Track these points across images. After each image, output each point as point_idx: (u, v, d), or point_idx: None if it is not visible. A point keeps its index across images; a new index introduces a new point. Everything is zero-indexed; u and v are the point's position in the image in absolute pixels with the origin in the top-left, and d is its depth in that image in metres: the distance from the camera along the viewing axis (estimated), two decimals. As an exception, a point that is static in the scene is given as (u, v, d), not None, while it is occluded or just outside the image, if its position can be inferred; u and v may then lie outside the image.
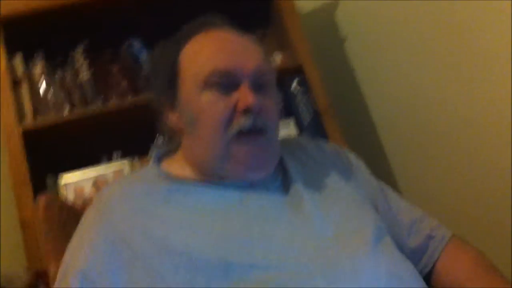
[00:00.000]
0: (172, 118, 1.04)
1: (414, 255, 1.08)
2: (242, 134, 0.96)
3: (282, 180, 1.04)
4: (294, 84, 1.82)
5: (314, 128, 1.75)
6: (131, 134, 1.79)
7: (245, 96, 0.95)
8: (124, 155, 1.86)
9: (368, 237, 0.94)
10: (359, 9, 1.99)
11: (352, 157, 1.20)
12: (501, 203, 1.63)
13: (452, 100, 1.71)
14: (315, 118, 1.78)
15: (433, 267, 1.08)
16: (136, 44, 1.92)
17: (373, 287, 0.85)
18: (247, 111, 0.95)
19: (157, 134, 1.79)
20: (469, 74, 1.64)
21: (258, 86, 0.99)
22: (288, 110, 1.82)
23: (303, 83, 1.81)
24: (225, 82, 0.97)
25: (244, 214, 0.94)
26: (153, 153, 1.13)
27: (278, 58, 1.87)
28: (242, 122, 0.95)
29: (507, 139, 1.55)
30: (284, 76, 1.78)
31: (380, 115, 2.00)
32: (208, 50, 1.00)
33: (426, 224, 1.12)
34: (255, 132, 0.96)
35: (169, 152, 1.12)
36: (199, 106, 0.97)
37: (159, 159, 1.09)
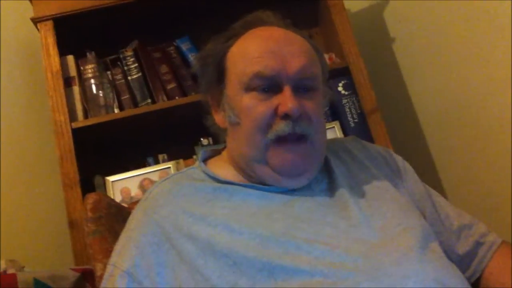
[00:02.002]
0: (218, 117, 1.05)
1: (462, 262, 1.06)
2: (281, 139, 0.95)
3: (328, 183, 1.04)
4: (341, 86, 1.81)
5: (360, 130, 1.73)
6: (178, 135, 1.83)
7: (285, 100, 0.95)
8: (170, 157, 1.88)
9: (415, 242, 0.92)
10: (407, 9, 1.96)
11: (399, 160, 1.17)
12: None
13: (501, 101, 1.67)
14: (361, 120, 1.76)
15: (481, 274, 1.06)
16: (186, 44, 1.95)
17: None
18: (286, 116, 0.95)
19: (202, 136, 1.82)
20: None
21: (302, 89, 0.98)
22: (333, 113, 1.81)
23: (350, 84, 1.80)
24: (267, 85, 0.97)
25: (289, 216, 0.94)
26: (200, 153, 1.14)
27: (325, 56, 1.86)
28: (280, 127, 0.95)
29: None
30: (330, 78, 1.76)
31: (427, 117, 1.97)
32: (251, 52, 0.99)
33: (475, 230, 1.09)
34: (295, 138, 0.96)
35: (215, 152, 1.13)
36: (241, 107, 0.98)
37: (205, 160, 1.10)
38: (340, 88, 1.81)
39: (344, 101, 1.79)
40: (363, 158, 1.12)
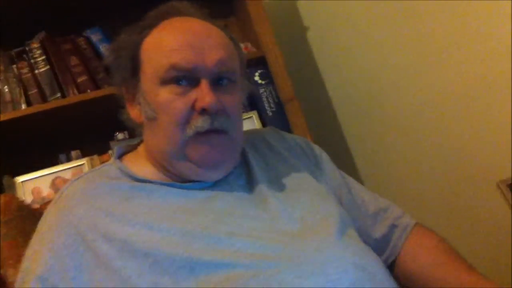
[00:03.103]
0: (133, 111, 1.02)
1: (379, 245, 1.09)
2: (200, 134, 0.94)
3: (246, 177, 1.04)
4: (257, 75, 1.80)
5: (278, 119, 1.73)
6: (91, 130, 1.76)
7: (203, 95, 0.93)
8: (83, 154, 1.82)
9: (333, 229, 0.94)
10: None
11: (317, 149, 1.19)
12: (458, 186, 1.67)
13: (413, 88, 1.73)
14: (278, 110, 1.76)
15: (397, 256, 1.09)
16: (97, 35, 1.87)
17: (340, 279, 0.85)
18: (204, 111, 0.93)
19: (117, 130, 1.77)
20: (427, 61, 1.66)
21: (220, 83, 0.97)
22: (251, 102, 1.80)
23: (267, 73, 1.80)
24: (183, 78, 0.94)
25: (209, 212, 0.93)
26: (114, 149, 1.11)
27: (241, 46, 1.84)
28: (199, 123, 0.93)
29: (464, 123, 1.59)
30: (246, 67, 1.75)
31: (344, 105, 2.01)
32: (168, 43, 0.96)
33: (390, 214, 1.13)
34: (213, 132, 0.94)
35: (131, 147, 1.09)
36: (158, 102, 0.95)
37: (121, 156, 1.06)
38: (256, 78, 1.80)
39: (261, 90, 1.78)
40: (281, 149, 1.13)
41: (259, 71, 1.80)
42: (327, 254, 0.88)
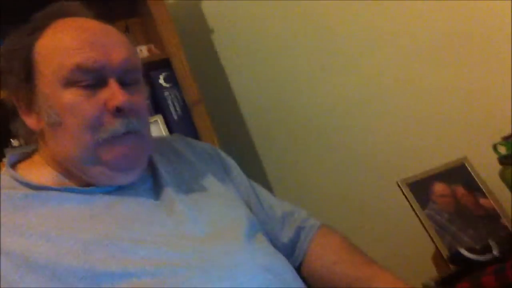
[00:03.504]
0: (29, 119, 0.94)
1: (287, 248, 1.10)
2: (114, 137, 0.90)
3: (153, 182, 1.01)
4: (162, 78, 1.76)
5: (184, 123, 1.70)
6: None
7: (114, 94, 0.89)
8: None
9: (241, 233, 0.94)
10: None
11: (224, 155, 1.19)
12: (363, 185, 1.72)
13: (320, 89, 1.76)
14: (184, 113, 1.73)
15: (304, 256, 1.11)
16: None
17: (249, 282, 0.85)
18: (118, 110, 0.89)
19: (11, 137, 1.66)
20: (335, 61, 1.70)
21: (126, 82, 0.93)
22: (156, 106, 1.76)
23: (171, 76, 1.76)
24: (90, 78, 0.89)
25: (112, 219, 0.89)
26: (7, 157, 1.03)
27: (143, 51, 1.80)
28: (116, 126, 0.89)
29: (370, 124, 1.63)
30: (150, 70, 1.71)
31: (250, 109, 2.01)
32: (68, 43, 0.90)
33: (297, 217, 1.16)
34: (129, 133, 0.91)
35: (25, 155, 1.02)
36: (62, 105, 0.89)
37: (14, 164, 0.99)
38: (161, 81, 1.76)
39: (166, 93, 1.74)
40: (189, 156, 1.12)
41: (163, 74, 1.76)
42: (235, 258, 0.87)
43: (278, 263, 0.95)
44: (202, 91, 1.72)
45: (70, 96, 0.89)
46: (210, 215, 0.96)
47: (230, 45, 2.01)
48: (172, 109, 1.74)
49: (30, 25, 0.95)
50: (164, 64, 1.74)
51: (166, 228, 0.90)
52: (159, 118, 1.72)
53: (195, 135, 1.63)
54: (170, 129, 1.70)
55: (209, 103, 1.71)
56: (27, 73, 0.92)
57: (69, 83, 0.89)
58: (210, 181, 1.07)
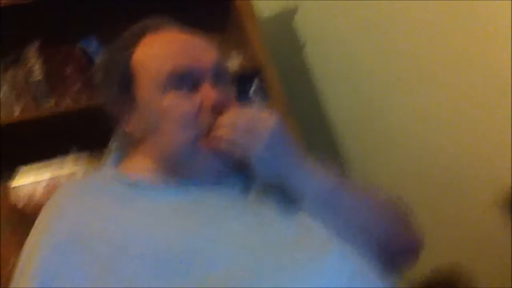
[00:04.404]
0: (130, 124, 1.00)
1: None
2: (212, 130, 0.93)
3: (243, 180, 1.02)
4: (252, 89, 1.80)
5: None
6: (85, 137, 1.74)
7: (209, 93, 0.93)
8: (77, 159, 1.79)
9: (330, 237, 0.92)
10: (318, 12, 2.00)
11: None
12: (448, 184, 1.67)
13: (408, 104, 1.74)
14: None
15: None
16: (92, 43, 1.87)
17: (338, 285, 0.85)
18: (213, 108, 0.93)
19: (112, 138, 1.75)
20: (421, 75, 1.68)
21: (219, 83, 0.97)
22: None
23: (261, 87, 1.80)
24: (186, 80, 0.94)
25: (202, 214, 0.92)
26: (109, 154, 1.09)
27: (236, 61, 1.85)
28: (212, 120, 0.93)
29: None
30: (241, 80, 1.76)
31: (338, 119, 2.02)
32: (164, 50, 0.97)
33: None
34: None
35: (124, 155, 1.08)
36: (163, 107, 0.94)
37: (115, 161, 1.06)
38: (251, 91, 1.80)
39: (256, 103, 1.78)
40: None
41: (254, 84, 1.80)
42: (322, 262, 0.87)
43: (365, 267, 0.92)
44: (290, 102, 1.75)
45: (170, 98, 0.94)
46: (298, 218, 0.95)
47: (320, 58, 2.03)
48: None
49: (125, 39, 1.02)
50: (255, 74, 1.79)
51: (253, 228, 0.91)
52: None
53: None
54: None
55: (297, 115, 1.73)
56: (125, 83, 0.99)
57: (167, 88, 0.95)
58: None
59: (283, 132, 0.94)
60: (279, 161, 0.93)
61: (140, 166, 1.01)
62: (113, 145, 1.54)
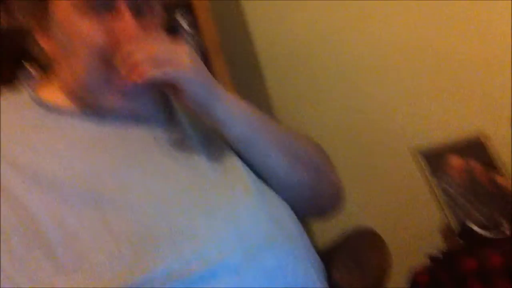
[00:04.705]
0: (43, 42, 0.91)
1: None
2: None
3: (167, 115, 0.98)
4: (180, 21, 1.71)
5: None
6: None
7: (125, 22, 0.85)
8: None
9: (250, 181, 0.93)
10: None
11: None
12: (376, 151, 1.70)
13: (346, 44, 1.74)
14: (202, 58, 1.69)
15: None
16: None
17: (253, 230, 0.84)
18: (131, 39, 0.84)
19: (25, 60, 1.63)
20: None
21: (139, 11, 0.88)
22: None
23: (191, 20, 1.70)
24: (99, 3, 0.85)
25: (122, 148, 0.88)
26: (23, 77, 1.01)
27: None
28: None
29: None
30: (168, 12, 1.66)
31: (268, 55, 1.98)
32: None
33: None
34: None
35: (39, 77, 0.99)
36: (74, 30, 0.86)
37: (30, 85, 0.96)
38: (179, 23, 1.71)
39: (184, 36, 1.70)
40: None
41: (182, 15, 1.71)
42: (240, 204, 0.87)
43: (284, 215, 0.94)
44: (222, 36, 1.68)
45: (81, 21, 0.86)
46: (222, 158, 0.94)
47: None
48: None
49: None
50: (184, 5, 1.69)
51: (175, 163, 0.89)
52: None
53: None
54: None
55: (227, 50, 1.67)
56: None
57: (80, 6, 0.85)
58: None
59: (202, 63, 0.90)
60: (205, 88, 0.88)
61: (54, 92, 0.94)
62: (28, 63, 1.43)
